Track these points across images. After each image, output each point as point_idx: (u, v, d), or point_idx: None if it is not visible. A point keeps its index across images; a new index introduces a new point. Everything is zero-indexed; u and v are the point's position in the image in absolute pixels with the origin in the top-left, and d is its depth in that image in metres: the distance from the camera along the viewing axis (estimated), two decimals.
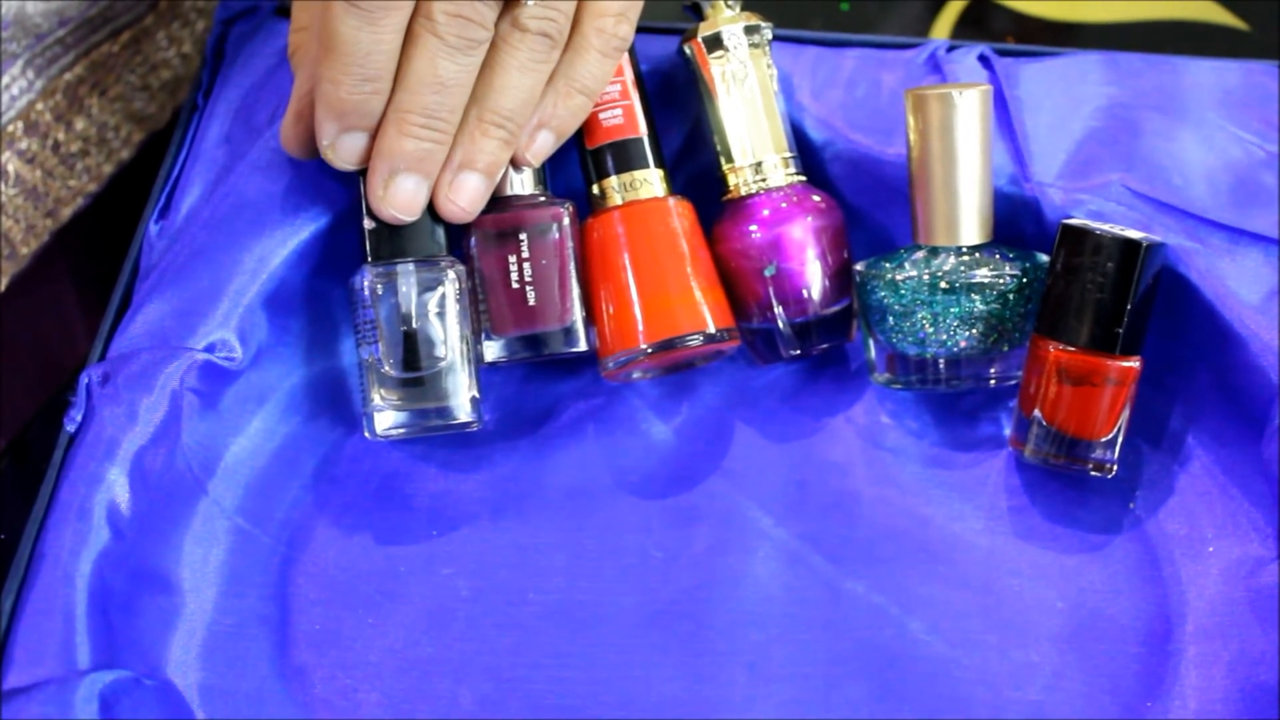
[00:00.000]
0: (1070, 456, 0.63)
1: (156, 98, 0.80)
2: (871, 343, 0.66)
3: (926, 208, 0.64)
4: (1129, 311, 0.62)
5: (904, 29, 0.85)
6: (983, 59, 0.70)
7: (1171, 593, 0.63)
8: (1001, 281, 0.64)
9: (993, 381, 0.65)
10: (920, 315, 0.64)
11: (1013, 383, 0.65)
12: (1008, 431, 0.67)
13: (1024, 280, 0.64)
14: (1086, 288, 0.62)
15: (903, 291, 0.64)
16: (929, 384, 0.65)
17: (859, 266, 0.66)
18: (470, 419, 0.64)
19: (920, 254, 0.65)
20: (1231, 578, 0.63)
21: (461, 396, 0.63)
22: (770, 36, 0.67)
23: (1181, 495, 0.65)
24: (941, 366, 0.65)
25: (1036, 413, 0.63)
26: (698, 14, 0.67)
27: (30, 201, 0.75)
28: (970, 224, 0.64)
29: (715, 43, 0.66)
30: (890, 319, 0.64)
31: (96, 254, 0.80)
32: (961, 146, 0.63)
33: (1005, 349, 0.65)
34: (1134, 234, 0.62)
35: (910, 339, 0.64)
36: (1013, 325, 0.64)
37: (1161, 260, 0.63)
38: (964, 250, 0.64)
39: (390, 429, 0.64)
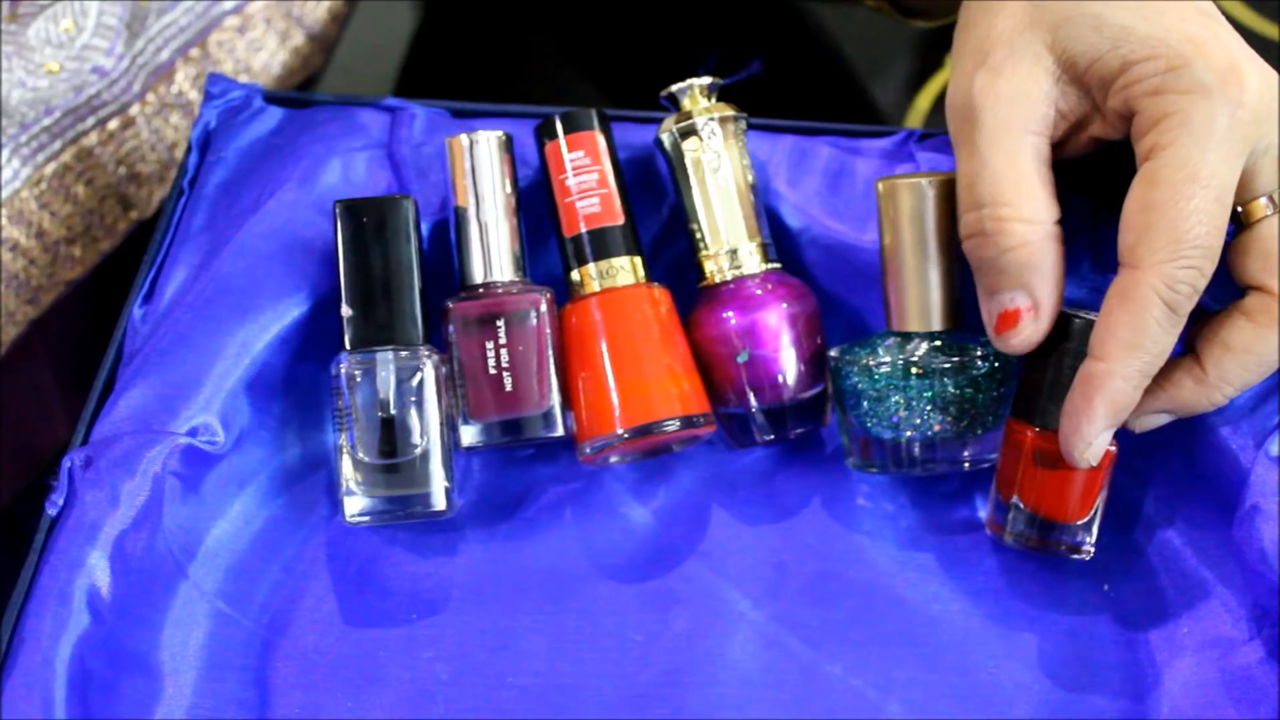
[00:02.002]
0: (1047, 540, 0.64)
1: (144, 186, 0.81)
2: (846, 427, 0.67)
3: (899, 294, 0.65)
4: None
5: (886, 105, 0.86)
6: None
7: (1147, 674, 0.63)
8: (974, 366, 0.64)
9: (967, 465, 0.66)
10: (894, 400, 0.64)
11: (987, 465, 0.66)
12: (983, 514, 0.67)
13: (996, 364, 0.64)
14: (1062, 371, 0.62)
15: (876, 377, 0.64)
16: (903, 467, 0.66)
17: (833, 353, 0.66)
18: (444, 507, 0.64)
19: (893, 340, 0.65)
20: (1205, 659, 0.63)
21: (436, 484, 0.64)
22: (745, 126, 0.68)
23: (1155, 578, 0.65)
24: (916, 450, 0.65)
25: (1014, 497, 0.64)
26: (674, 104, 0.68)
27: (11, 290, 0.76)
28: (940, 310, 0.65)
29: (690, 132, 0.67)
30: (865, 404, 0.65)
31: (76, 339, 0.80)
32: (932, 234, 0.64)
33: (979, 432, 0.65)
34: None
35: (885, 423, 0.65)
36: (986, 409, 0.65)
37: None
38: (936, 336, 0.65)
39: (362, 515, 0.64)
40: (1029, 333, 0.62)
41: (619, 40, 0.90)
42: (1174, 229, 0.58)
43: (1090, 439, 0.60)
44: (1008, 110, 0.60)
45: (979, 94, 0.61)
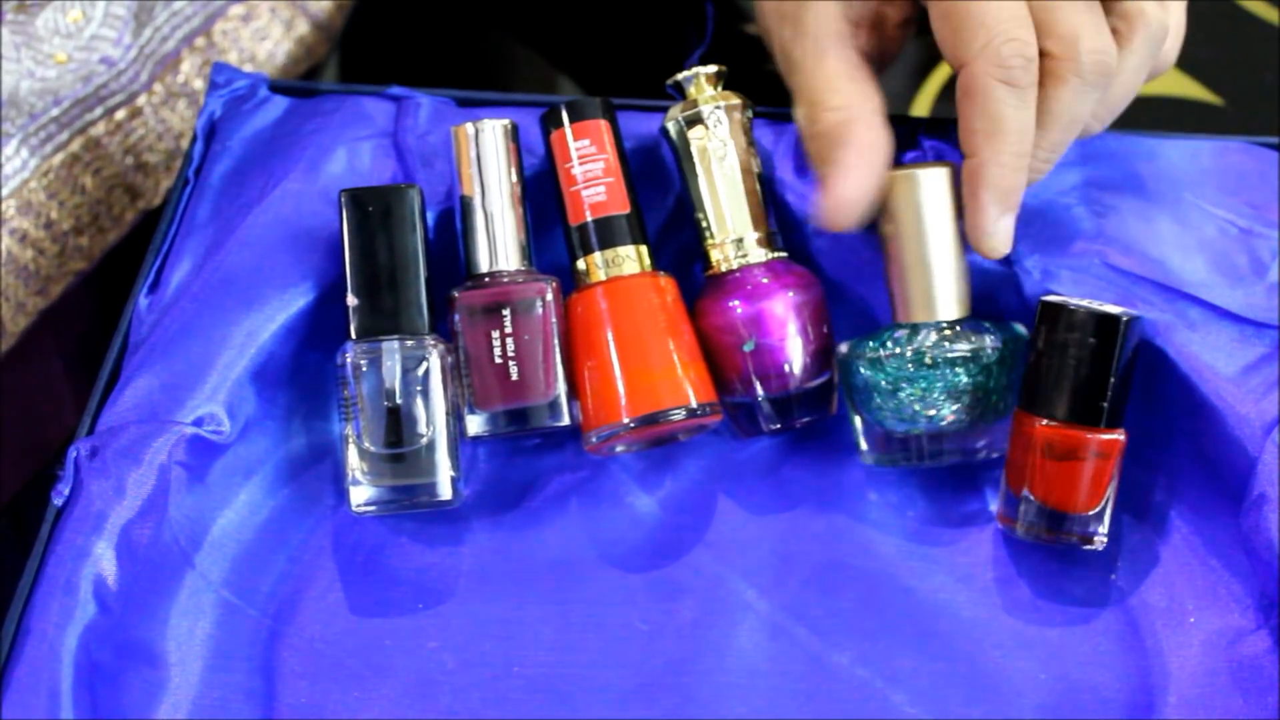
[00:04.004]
0: (1059, 531, 0.64)
1: (151, 176, 0.81)
2: (858, 421, 0.66)
3: (903, 286, 0.65)
4: (1111, 385, 0.62)
5: (889, 98, 0.86)
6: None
7: (1154, 664, 0.63)
8: (984, 354, 0.64)
9: (980, 454, 0.66)
10: (906, 392, 0.64)
11: (998, 455, 0.66)
12: (992, 505, 0.67)
13: (1006, 352, 0.64)
14: (1068, 363, 0.62)
15: (888, 370, 0.64)
16: (914, 460, 0.66)
17: (842, 348, 0.66)
18: (450, 496, 0.64)
19: (902, 332, 0.65)
20: (1213, 649, 0.63)
21: (442, 473, 0.64)
22: (752, 115, 0.68)
23: (1163, 567, 0.65)
24: (927, 442, 0.65)
25: (1025, 489, 0.63)
26: (680, 93, 0.68)
27: (21, 280, 0.76)
28: (947, 299, 0.65)
29: (696, 120, 0.67)
30: (877, 397, 0.65)
31: (84, 330, 0.80)
32: (931, 224, 0.64)
33: (991, 420, 0.65)
34: (1112, 309, 0.62)
35: (898, 416, 0.65)
36: (998, 397, 0.65)
37: (1140, 333, 0.64)
38: (944, 325, 0.65)
39: (368, 504, 0.64)
40: (831, 198, 0.64)
41: (625, 29, 0.90)
42: (979, 15, 0.62)
43: (989, 228, 0.63)
44: (813, 25, 0.66)
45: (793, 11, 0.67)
